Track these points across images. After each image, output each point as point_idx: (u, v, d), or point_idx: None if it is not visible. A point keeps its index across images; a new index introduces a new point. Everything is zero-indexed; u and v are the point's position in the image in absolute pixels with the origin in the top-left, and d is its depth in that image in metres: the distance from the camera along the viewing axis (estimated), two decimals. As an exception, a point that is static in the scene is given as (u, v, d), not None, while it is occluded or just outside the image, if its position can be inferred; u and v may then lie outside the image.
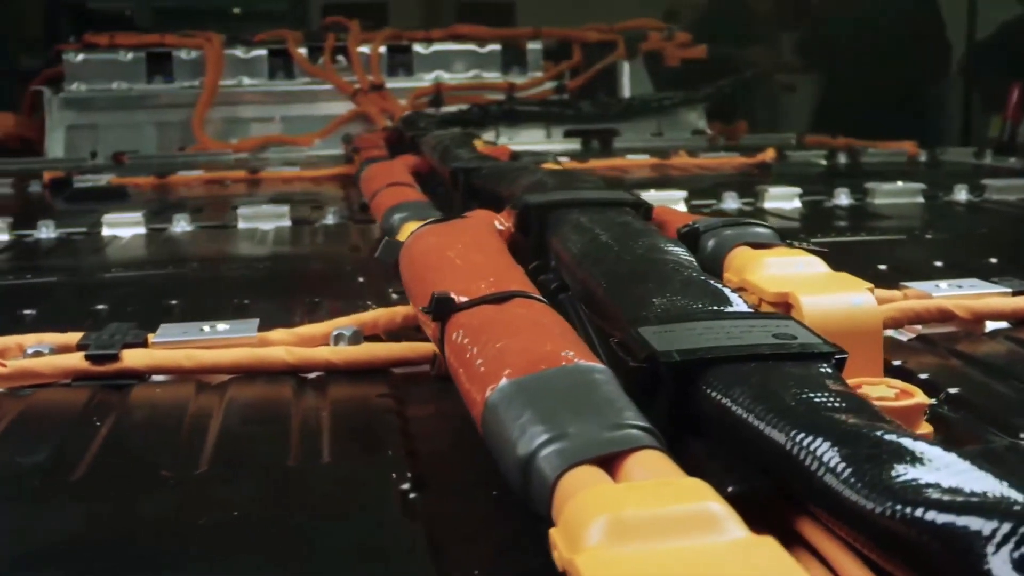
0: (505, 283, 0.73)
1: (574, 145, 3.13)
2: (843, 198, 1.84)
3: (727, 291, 0.73)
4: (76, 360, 0.85)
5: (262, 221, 1.69)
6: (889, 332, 0.95)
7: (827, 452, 0.51)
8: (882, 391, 0.68)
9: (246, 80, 3.31)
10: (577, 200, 0.97)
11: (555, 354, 0.61)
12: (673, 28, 3.49)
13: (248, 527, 0.56)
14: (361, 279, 1.25)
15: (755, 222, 0.95)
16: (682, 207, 1.76)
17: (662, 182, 2.07)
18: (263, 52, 3.31)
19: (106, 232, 1.66)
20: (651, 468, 0.51)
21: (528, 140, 3.18)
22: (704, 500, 0.46)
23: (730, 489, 0.56)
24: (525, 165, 1.35)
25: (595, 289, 0.78)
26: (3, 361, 0.85)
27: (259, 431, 0.72)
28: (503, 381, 0.59)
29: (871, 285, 0.78)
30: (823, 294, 0.75)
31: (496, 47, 3.39)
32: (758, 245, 0.89)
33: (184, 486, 0.62)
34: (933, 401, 0.66)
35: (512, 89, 3.34)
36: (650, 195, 1.79)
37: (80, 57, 3.21)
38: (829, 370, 0.62)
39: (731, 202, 1.79)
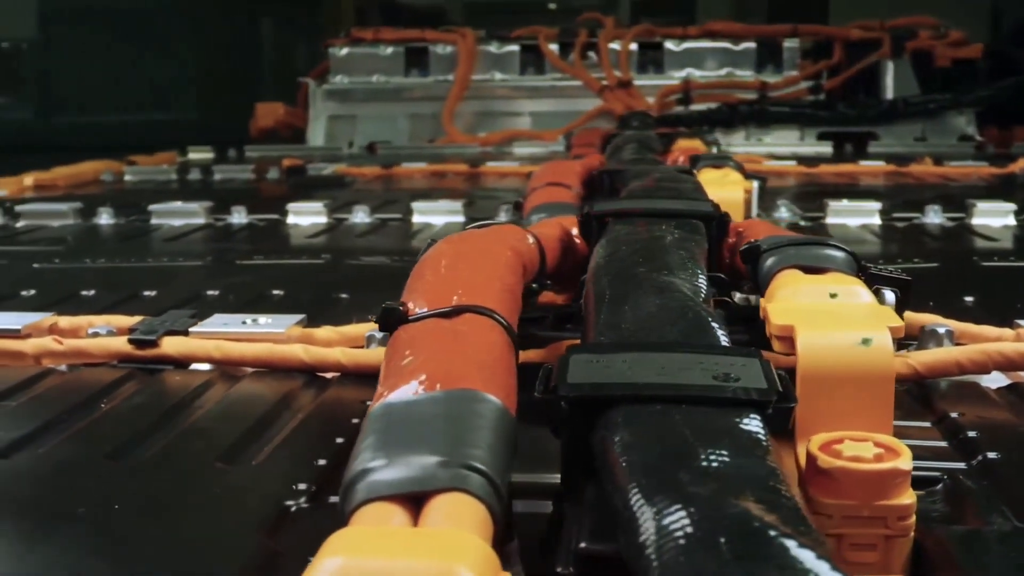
0: (474, 298, 0.69)
1: (826, 148, 2.96)
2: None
3: (709, 321, 0.66)
4: (121, 343, 0.88)
5: (435, 216, 1.71)
6: (986, 377, 0.82)
7: (652, 525, 0.44)
8: (861, 450, 0.59)
9: (498, 75, 3.37)
10: (639, 210, 0.91)
11: (451, 376, 0.57)
12: (946, 25, 3.22)
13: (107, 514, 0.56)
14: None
15: (832, 243, 0.85)
16: (875, 220, 1.62)
17: (868, 191, 1.91)
18: (516, 48, 3.36)
19: (290, 220, 1.74)
20: (451, 513, 0.46)
21: (779, 142, 3.05)
22: (452, 560, 0.41)
23: (582, 546, 0.51)
24: (645, 170, 1.29)
25: (587, 304, 0.73)
26: (59, 339, 0.90)
27: (219, 427, 0.72)
28: (381, 399, 0.56)
29: (900, 324, 0.68)
30: (827, 330, 0.65)
31: (751, 45, 3.26)
32: (813, 269, 0.80)
33: (88, 468, 0.63)
34: (908, 468, 0.55)
35: (764, 88, 3.20)
36: (841, 204, 1.66)
37: (344, 51, 3.38)
38: (752, 423, 0.54)
39: (933, 216, 1.63)
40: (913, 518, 0.57)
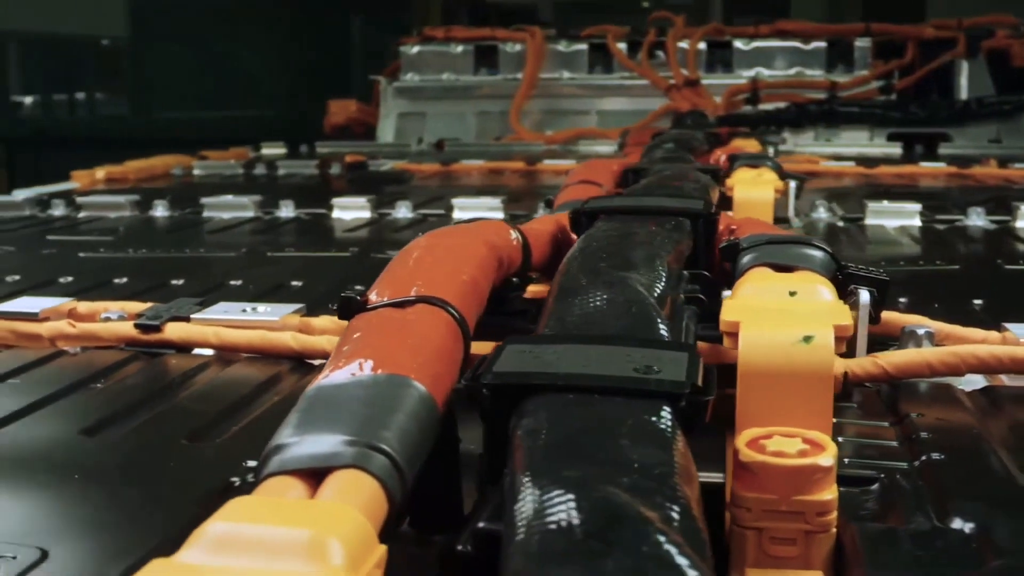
0: (432, 290, 0.71)
1: (895, 149, 2.91)
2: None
3: (653, 316, 0.68)
4: (128, 328, 0.93)
5: (475, 212, 1.73)
6: (965, 380, 0.82)
7: (523, 505, 0.47)
8: (787, 445, 0.60)
9: (566, 74, 3.38)
10: (624, 207, 0.93)
11: (384, 362, 0.60)
12: (1025, 24, 3.14)
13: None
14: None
15: (813, 242, 0.85)
16: (915, 221, 1.60)
17: (915, 193, 1.88)
18: (584, 46, 3.37)
19: (335, 214, 1.78)
20: (343, 489, 0.49)
21: (848, 142, 3.01)
22: (325, 531, 0.44)
23: (480, 525, 0.53)
24: (662, 168, 1.30)
25: (548, 297, 0.75)
26: (73, 323, 0.95)
27: (197, 408, 0.76)
28: (316, 381, 0.59)
29: (849, 322, 0.68)
30: (770, 328, 0.66)
31: (821, 44, 3.22)
32: (785, 267, 0.81)
33: (63, 442, 0.67)
34: (829, 464, 0.56)
35: (834, 88, 3.16)
36: (880, 206, 1.64)
37: (415, 49, 3.43)
38: (660, 414, 0.55)
39: (976, 219, 1.60)
40: (834, 514, 0.58)
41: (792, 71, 3.25)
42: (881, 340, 0.90)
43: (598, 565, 0.41)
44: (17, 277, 1.25)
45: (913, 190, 2.01)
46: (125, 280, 1.22)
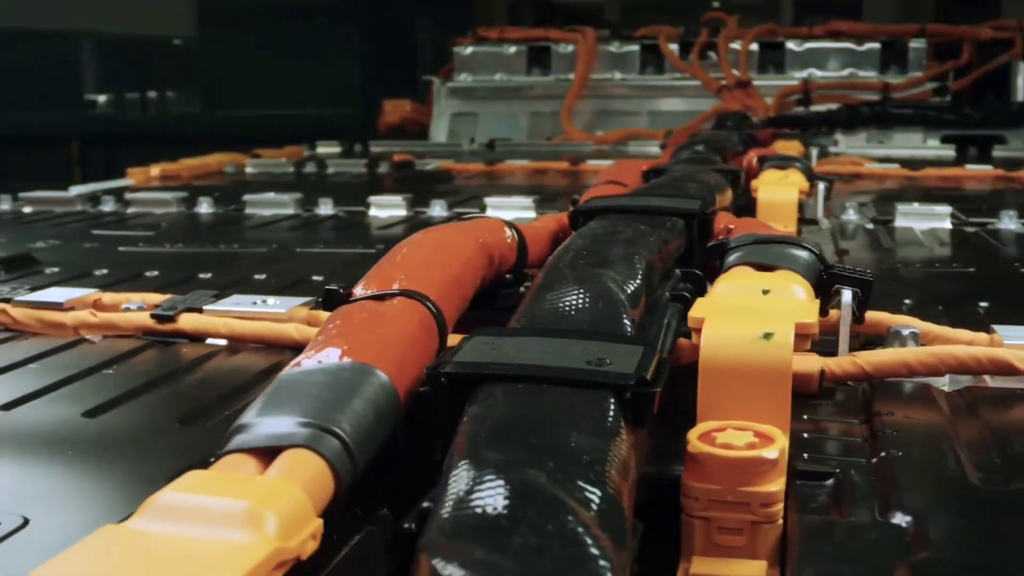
0: (413, 284, 0.74)
1: (948, 152, 2.87)
2: None
3: (619, 312, 0.70)
4: (144, 318, 0.98)
5: (506, 211, 1.76)
6: (957, 379, 0.83)
7: (449, 484, 0.50)
8: (737, 438, 0.62)
9: (618, 74, 3.40)
10: (618, 207, 0.95)
11: (351, 351, 0.63)
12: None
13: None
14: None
15: (802, 243, 0.87)
16: (945, 224, 1.60)
17: (950, 196, 1.87)
18: (636, 47, 3.38)
19: (372, 212, 1.82)
20: (289, 467, 0.52)
21: (902, 144, 2.98)
22: (260, 503, 0.47)
23: (424, 504, 0.56)
24: (677, 169, 1.31)
25: (528, 292, 0.77)
26: (95, 312, 1.00)
27: (195, 393, 0.80)
28: (287, 368, 0.62)
29: (813, 321, 0.70)
30: (731, 325, 0.68)
31: (875, 45, 3.19)
32: (767, 267, 0.82)
33: (65, 423, 0.72)
34: (774, 457, 0.58)
35: (887, 89, 3.14)
36: (910, 208, 1.64)
37: (469, 50, 3.47)
38: (605, 405, 0.58)
39: (1008, 222, 1.59)
40: (780, 506, 0.60)
41: (845, 72, 3.23)
42: (876, 341, 0.91)
43: (503, 540, 0.44)
44: (56, 269, 1.31)
45: (952, 193, 1.99)
46: (156, 273, 1.28)
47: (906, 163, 2.40)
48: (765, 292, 0.76)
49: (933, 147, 2.95)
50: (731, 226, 0.99)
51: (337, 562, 0.55)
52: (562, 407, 0.57)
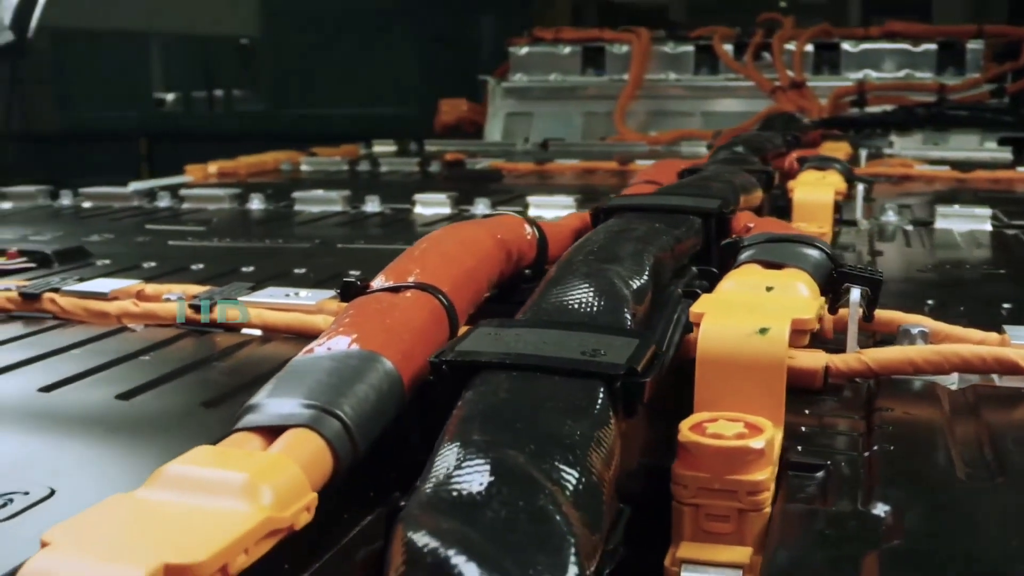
0: (427, 277, 0.78)
1: (1005, 154, 2.84)
2: None
3: (620, 307, 0.73)
4: (183, 308, 1.02)
5: (548, 209, 1.79)
6: (965, 378, 0.84)
7: (434, 463, 0.53)
8: (727, 428, 0.64)
9: (672, 75, 3.41)
10: (635, 206, 0.97)
11: (360, 339, 0.67)
12: None
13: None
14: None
15: (815, 242, 0.89)
16: (985, 226, 1.59)
17: (994, 199, 1.85)
18: (690, 48, 3.39)
19: (417, 210, 1.86)
20: (290, 444, 0.56)
21: (958, 146, 2.95)
22: (256, 476, 0.50)
23: (419, 483, 0.59)
24: (708, 169, 1.33)
25: (539, 286, 0.80)
26: (137, 302, 1.05)
27: (223, 379, 0.84)
28: (301, 354, 0.66)
29: (810, 317, 0.72)
30: (729, 321, 0.71)
31: (932, 46, 3.16)
32: (776, 264, 0.84)
33: (99, 404, 0.77)
34: (760, 447, 0.60)
35: (943, 91, 3.11)
36: (951, 209, 1.64)
37: (524, 50, 3.51)
38: (595, 394, 0.60)
39: (1045, 225, 1.58)
40: (767, 494, 0.62)
41: (901, 73, 3.21)
42: (889, 339, 0.93)
43: (475, 514, 0.47)
44: (107, 261, 1.37)
45: (999, 195, 1.98)
46: (201, 266, 1.32)
47: (958, 165, 2.38)
48: (769, 289, 0.79)
49: (990, 149, 2.92)
50: (750, 225, 1.01)
51: (348, 540, 0.58)
52: (553, 395, 0.59)
